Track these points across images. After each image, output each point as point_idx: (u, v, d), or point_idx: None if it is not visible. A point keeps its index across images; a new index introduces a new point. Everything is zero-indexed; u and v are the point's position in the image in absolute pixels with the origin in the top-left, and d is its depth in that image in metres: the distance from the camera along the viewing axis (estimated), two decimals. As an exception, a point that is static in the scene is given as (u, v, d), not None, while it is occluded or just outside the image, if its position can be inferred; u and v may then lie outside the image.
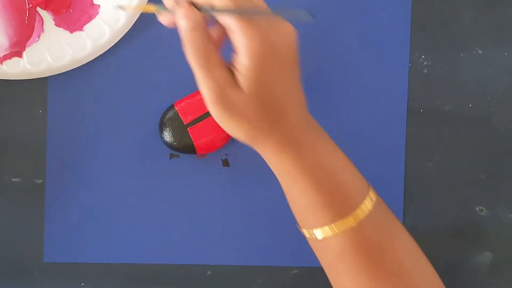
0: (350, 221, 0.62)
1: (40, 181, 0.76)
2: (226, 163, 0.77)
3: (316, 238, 0.63)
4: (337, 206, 0.62)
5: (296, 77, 0.62)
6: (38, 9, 0.74)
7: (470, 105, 0.77)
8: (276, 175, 0.64)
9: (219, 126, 0.73)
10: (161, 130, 0.75)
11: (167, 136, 0.74)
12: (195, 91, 0.74)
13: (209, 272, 0.77)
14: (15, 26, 0.74)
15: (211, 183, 0.77)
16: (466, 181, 0.77)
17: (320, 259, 0.65)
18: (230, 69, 0.60)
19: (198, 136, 0.74)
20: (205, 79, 0.59)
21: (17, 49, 0.74)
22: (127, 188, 0.76)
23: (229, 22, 0.59)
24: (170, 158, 0.77)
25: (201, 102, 0.74)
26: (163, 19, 0.62)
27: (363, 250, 0.62)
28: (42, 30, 0.74)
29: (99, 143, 0.76)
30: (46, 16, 0.74)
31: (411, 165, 0.77)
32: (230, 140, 0.75)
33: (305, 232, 0.64)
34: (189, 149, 0.74)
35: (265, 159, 0.63)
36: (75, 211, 0.76)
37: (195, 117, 0.74)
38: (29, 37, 0.74)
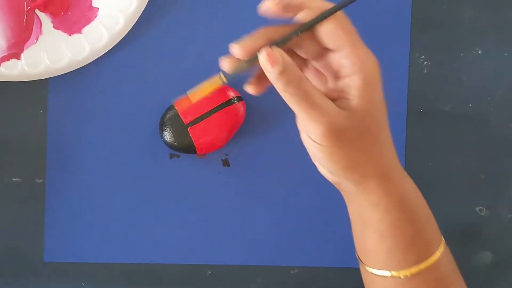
0: (424, 265, 0.59)
1: (41, 181, 0.76)
2: (226, 163, 0.77)
3: (383, 276, 0.60)
4: (418, 248, 0.59)
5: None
6: (37, 11, 0.74)
7: (470, 105, 0.77)
8: (355, 208, 0.60)
9: (219, 126, 0.74)
10: (161, 130, 0.75)
11: (167, 136, 0.74)
12: (195, 91, 0.75)
13: (209, 272, 0.77)
14: (13, 28, 0.74)
15: (211, 183, 0.77)
16: (466, 181, 0.77)
17: None
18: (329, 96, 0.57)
19: (198, 136, 0.74)
20: (312, 116, 0.55)
21: (15, 51, 0.74)
22: (127, 188, 0.76)
23: (337, 43, 0.57)
24: (170, 158, 0.77)
25: (201, 101, 0.73)
26: (250, 88, 0.59)
27: None
28: (41, 32, 0.74)
29: (99, 143, 0.76)
30: (45, 18, 0.74)
31: (411, 165, 0.77)
32: (230, 140, 0.75)
33: (369, 268, 0.61)
34: (189, 149, 0.74)
35: (348, 189, 0.59)
36: (75, 211, 0.76)
37: (195, 117, 0.74)
38: (27, 39, 0.74)
